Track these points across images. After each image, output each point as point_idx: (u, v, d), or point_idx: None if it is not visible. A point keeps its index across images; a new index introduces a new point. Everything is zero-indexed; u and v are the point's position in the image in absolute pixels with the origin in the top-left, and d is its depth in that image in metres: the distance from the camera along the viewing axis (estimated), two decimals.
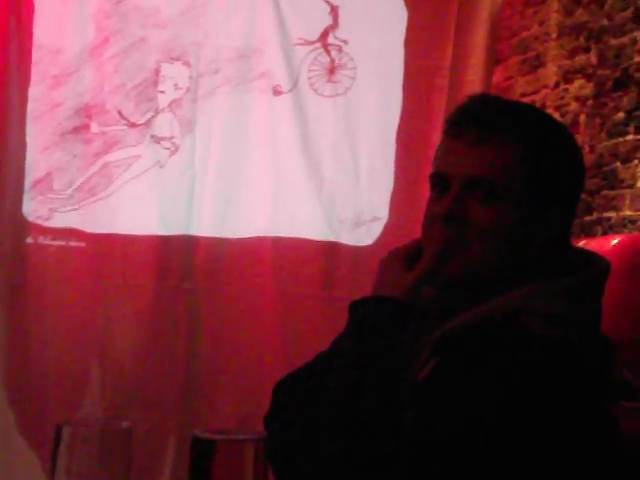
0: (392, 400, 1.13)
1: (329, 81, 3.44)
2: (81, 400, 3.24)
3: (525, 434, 1.09)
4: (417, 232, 1.38)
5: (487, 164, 1.25)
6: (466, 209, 1.26)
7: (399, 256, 1.31)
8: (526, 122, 1.29)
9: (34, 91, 3.28)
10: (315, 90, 3.43)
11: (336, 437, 1.12)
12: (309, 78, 3.43)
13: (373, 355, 1.19)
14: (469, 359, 1.12)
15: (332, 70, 3.44)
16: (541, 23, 3.59)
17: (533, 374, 1.11)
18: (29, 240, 3.28)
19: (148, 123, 3.35)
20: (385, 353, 1.19)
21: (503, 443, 1.08)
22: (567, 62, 3.42)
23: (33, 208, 3.29)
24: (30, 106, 3.28)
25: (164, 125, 3.37)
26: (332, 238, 3.42)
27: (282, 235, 3.40)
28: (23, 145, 3.28)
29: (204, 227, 3.37)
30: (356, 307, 1.27)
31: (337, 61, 3.44)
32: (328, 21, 3.44)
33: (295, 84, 3.41)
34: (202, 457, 1.08)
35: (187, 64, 3.38)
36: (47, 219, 3.29)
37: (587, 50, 3.31)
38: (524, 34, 3.70)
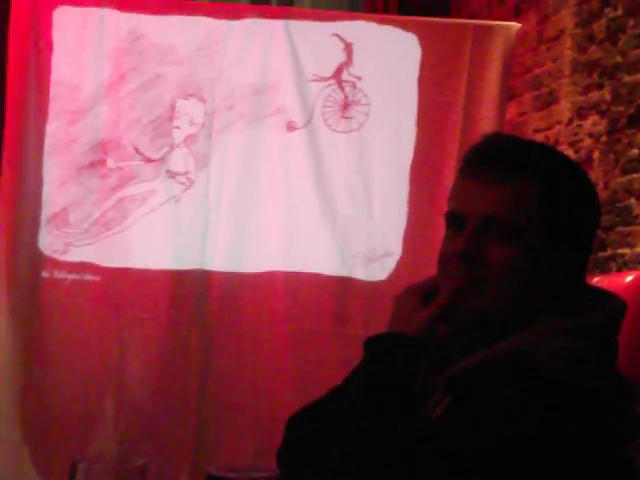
0: (406, 437, 1.13)
1: (343, 117, 3.47)
2: (94, 434, 3.24)
3: (539, 476, 1.08)
4: (430, 267, 1.38)
5: (502, 203, 1.26)
6: (482, 248, 1.26)
7: (415, 292, 1.31)
8: (541, 161, 1.29)
9: (51, 127, 3.32)
10: (329, 126, 3.46)
11: (350, 472, 1.12)
12: (323, 114, 3.45)
13: (387, 391, 1.19)
14: (483, 398, 1.12)
15: (346, 106, 3.47)
16: (554, 60, 3.61)
17: (546, 416, 1.11)
18: (44, 274, 3.30)
19: (163, 158, 3.38)
20: (399, 390, 1.19)
21: None
22: (581, 98, 3.43)
23: (49, 242, 3.32)
24: (47, 141, 3.32)
25: (179, 160, 3.40)
26: (345, 273, 3.43)
27: (295, 270, 3.40)
28: (40, 180, 3.31)
29: (218, 261, 3.39)
30: (371, 343, 1.27)
31: (351, 97, 3.47)
32: (342, 58, 3.47)
33: (309, 120, 3.43)
34: None
35: (202, 100, 3.41)
36: (63, 253, 3.32)
37: (601, 87, 3.32)
38: (537, 70, 3.72)
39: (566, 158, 1.37)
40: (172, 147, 3.40)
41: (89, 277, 3.32)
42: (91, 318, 3.30)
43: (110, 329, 3.30)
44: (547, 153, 1.34)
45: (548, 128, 3.61)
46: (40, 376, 3.25)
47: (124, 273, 3.34)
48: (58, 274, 3.30)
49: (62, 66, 3.32)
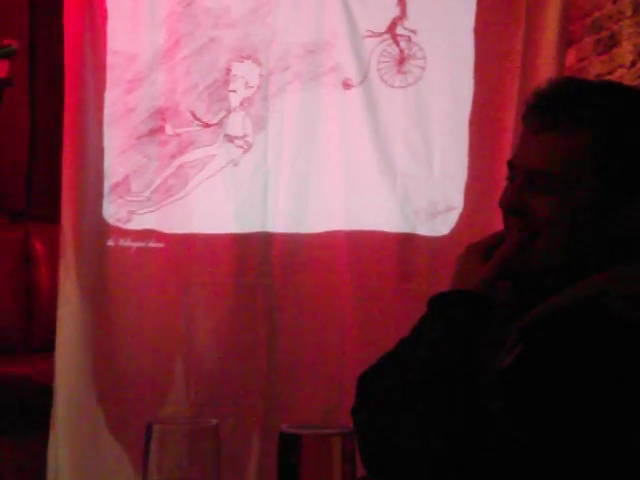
0: (477, 387, 1.13)
1: (399, 72, 3.42)
2: (166, 398, 3.30)
3: (613, 423, 1.07)
4: (493, 220, 1.39)
5: (547, 155, 1.23)
6: (529, 201, 1.25)
7: (477, 249, 1.31)
8: (595, 106, 1.24)
9: (110, 96, 3.35)
10: (385, 82, 3.42)
11: (423, 424, 1.12)
12: (379, 70, 3.41)
13: (453, 346, 1.19)
14: (553, 346, 1.11)
15: (402, 61, 3.42)
16: (614, 1, 3.51)
17: (623, 360, 1.09)
18: (110, 243, 3.35)
19: (221, 123, 3.39)
20: (464, 344, 1.19)
21: (593, 435, 1.06)
22: None
23: (113, 211, 3.36)
24: (106, 111, 3.34)
25: (236, 124, 3.40)
26: (407, 229, 3.41)
27: (357, 228, 3.40)
28: (101, 150, 3.34)
29: (279, 223, 3.40)
30: (435, 301, 1.28)
31: (406, 52, 3.42)
32: (396, 12, 3.42)
33: (365, 77, 3.40)
34: (290, 452, 1.09)
35: (257, 62, 3.40)
36: (126, 222, 3.36)
37: None
38: (597, 13, 3.62)
39: (632, 100, 1.29)
40: (229, 111, 3.40)
41: (153, 244, 3.36)
42: (157, 284, 3.34)
43: (176, 294, 3.34)
44: (607, 97, 1.26)
45: (610, 72, 3.52)
46: (110, 342, 3.31)
47: (187, 239, 3.37)
48: (123, 242, 3.35)
49: (117, 35, 3.34)
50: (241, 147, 3.40)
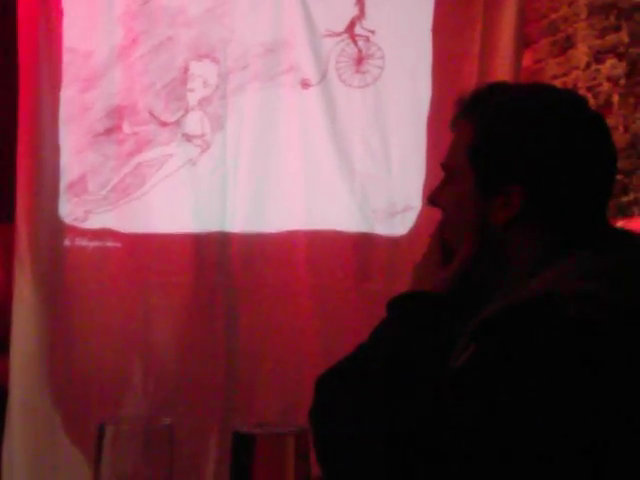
0: (436, 389, 1.13)
1: (357, 72, 3.43)
2: (124, 399, 3.27)
3: (564, 422, 1.08)
4: None
5: (449, 150, 1.34)
6: (440, 195, 1.37)
7: (434, 253, 1.36)
8: (483, 105, 1.30)
9: (65, 94, 3.31)
10: (344, 81, 3.43)
11: (381, 426, 1.13)
12: (337, 70, 3.42)
13: (415, 350, 1.20)
14: (504, 345, 1.12)
15: (360, 60, 3.43)
16: (570, 4, 3.55)
17: (569, 357, 1.10)
18: (66, 242, 3.31)
19: (179, 122, 3.37)
20: (429, 344, 1.20)
21: (543, 434, 1.07)
22: (598, 42, 3.38)
23: (69, 210, 3.32)
24: (62, 109, 3.31)
25: (195, 123, 3.39)
26: (366, 229, 3.42)
27: (316, 228, 3.40)
28: (57, 148, 3.31)
29: (238, 223, 3.39)
30: (396, 302, 1.29)
31: (365, 51, 3.43)
32: (354, 11, 3.43)
33: (323, 76, 3.40)
34: (243, 451, 1.09)
35: (215, 61, 3.39)
36: (83, 221, 3.32)
37: (618, 29, 3.27)
38: (553, 16, 3.66)
39: (517, 100, 1.31)
40: (187, 110, 3.38)
41: (110, 243, 3.33)
42: (114, 284, 3.31)
43: (134, 294, 3.32)
44: (497, 96, 1.31)
45: (565, 74, 3.56)
46: (67, 344, 3.28)
47: (145, 238, 3.34)
48: (80, 242, 3.31)
49: (73, 32, 3.30)
50: (199, 146, 3.38)
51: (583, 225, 1.26)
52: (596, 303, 1.13)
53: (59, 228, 3.30)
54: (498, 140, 1.27)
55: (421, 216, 3.40)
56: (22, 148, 3.26)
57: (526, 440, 1.07)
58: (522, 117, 1.26)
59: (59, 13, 3.27)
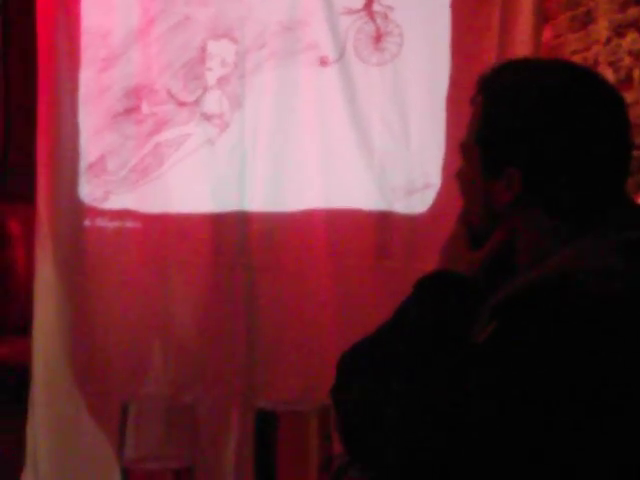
0: (458, 366, 1.14)
1: (376, 49, 3.41)
2: (144, 378, 3.30)
3: (585, 400, 1.07)
4: None
5: (467, 127, 1.34)
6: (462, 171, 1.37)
7: (462, 234, 1.35)
8: (495, 83, 1.29)
9: (84, 75, 3.32)
10: (362, 59, 3.41)
11: (404, 404, 1.13)
12: (355, 47, 3.40)
13: (442, 330, 1.20)
14: (526, 322, 1.11)
15: (378, 38, 3.41)
16: None
17: (591, 331, 1.09)
18: (87, 223, 3.33)
19: (197, 101, 3.37)
20: (454, 325, 1.20)
21: (565, 413, 1.07)
22: (619, 16, 3.34)
23: (89, 191, 3.34)
24: (81, 90, 3.31)
25: (213, 102, 3.38)
26: (385, 207, 3.41)
27: (335, 206, 3.40)
28: (76, 129, 3.32)
29: (257, 202, 3.39)
30: (425, 282, 1.29)
31: (383, 28, 3.41)
32: None
33: (342, 54, 3.39)
34: (266, 429, 1.10)
35: (233, 40, 3.38)
36: (103, 201, 3.34)
37: (639, 3, 3.23)
38: None
39: (520, 77, 1.28)
40: (205, 89, 3.38)
41: (130, 224, 3.34)
42: (134, 264, 3.33)
43: (154, 274, 3.33)
44: (509, 74, 1.29)
45: (586, 49, 3.52)
46: (88, 322, 3.30)
47: (164, 218, 3.35)
48: (100, 222, 3.33)
49: (91, 12, 3.30)
50: (218, 126, 3.38)
51: (594, 204, 1.24)
52: (617, 278, 1.12)
53: (79, 209, 3.32)
54: (499, 121, 1.26)
55: (440, 194, 3.38)
56: (42, 129, 3.27)
57: (547, 414, 1.07)
58: (523, 99, 1.25)
59: None
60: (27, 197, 3.57)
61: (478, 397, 1.09)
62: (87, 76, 3.31)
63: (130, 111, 3.34)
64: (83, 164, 3.33)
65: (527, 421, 1.07)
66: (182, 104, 3.36)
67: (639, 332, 1.10)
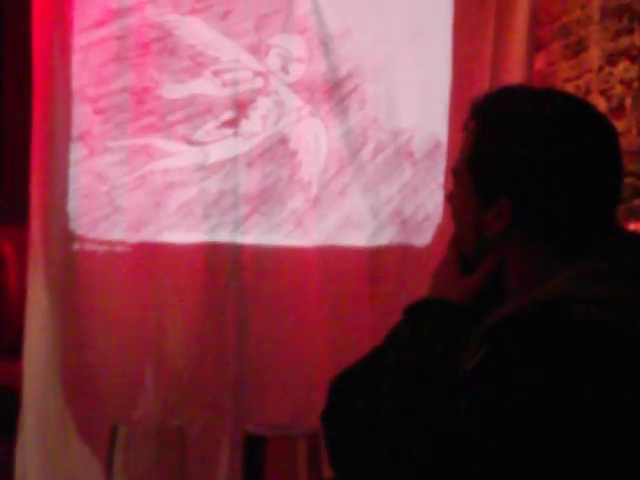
0: (451, 392, 1.13)
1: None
2: (136, 401, 3.28)
3: (576, 427, 1.07)
4: None
5: (458, 154, 1.33)
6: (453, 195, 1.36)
7: (453, 260, 1.35)
8: (488, 110, 1.29)
9: (77, 111, 3.32)
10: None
11: (394, 430, 1.13)
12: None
13: (432, 353, 1.20)
14: (516, 347, 1.12)
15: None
16: (583, 7, 3.54)
17: (580, 360, 1.09)
18: (77, 246, 3.32)
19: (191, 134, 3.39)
20: (443, 351, 1.20)
21: (546, 439, 1.07)
22: (611, 45, 3.37)
23: (79, 219, 3.32)
24: (74, 123, 3.31)
25: (206, 133, 3.40)
26: (382, 240, 3.42)
27: (330, 243, 3.41)
28: (68, 155, 3.31)
29: (250, 235, 3.40)
30: (414, 309, 1.29)
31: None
32: None
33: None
34: (255, 453, 1.09)
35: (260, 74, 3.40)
36: (92, 229, 3.33)
37: (631, 31, 3.26)
38: (565, 19, 3.65)
39: (509, 106, 1.28)
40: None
41: (120, 248, 3.34)
42: (126, 287, 3.32)
43: (145, 296, 3.32)
44: (503, 102, 1.29)
45: (578, 77, 3.55)
46: (79, 345, 3.28)
47: (154, 246, 3.35)
48: (90, 246, 3.32)
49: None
50: (207, 153, 3.39)
51: (584, 233, 1.24)
52: (606, 306, 1.13)
53: (69, 234, 3.31)
54: (490, 149, 1.26)
55: (436, 224, 3.40)
56: (35, 156, 3.27)
57: (539, 444, 1.07)
58: (514, 128, 1.25)
59: (71, 23, 3.28)
60: (20, 219, 3.56)
61: (469, 421, 1.09)
62: (80, 112, 3.32)
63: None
64: (73, 189, 3.32)
65: (518, 445, 1.07)
66: (179, 136, 3.38)
67: (628, 359, 1.10)
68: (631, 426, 1.08)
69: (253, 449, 1.09)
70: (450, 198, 1.36)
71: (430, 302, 1.29)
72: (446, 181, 3.34)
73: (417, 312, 1.29)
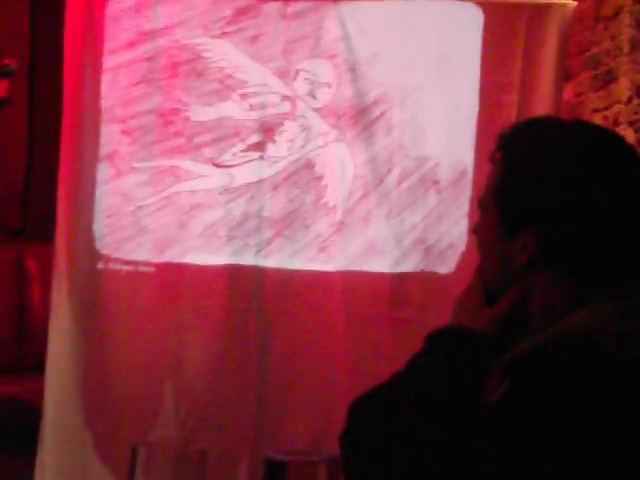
0: (472, 423, 1.13)
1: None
2: (155, 421, 3.27)
3: (605, 463, 1.06)
4: None
5: (485, 185, 1.32)
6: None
7: (477, 288, 1.34)
8: (516, 142, 1.28)
9: (105, 131, 3.35)
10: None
11: (412, 455, 1.12)
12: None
13: (453, 381, 1.19)
14: (544, 380, 1.10)
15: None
16: (612, 38, 3.53)
17: (609, 395, 1.08)
18: (100, 265, 3.34)
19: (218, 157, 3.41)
20: (465, 380, 1.19)
21: (583, 474, 1.05)
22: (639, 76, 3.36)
23: (103, 239, 3.35)
24: (103, 141, 3.34)
25: (234, 156, 3.42)
26: (404, 268, 3.42)
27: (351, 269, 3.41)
28: (95, 175, 3.34)
29: (272, 257, 3.40)
30: (437, 336, 1.28)
31: None
32: None
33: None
34: (275, 478, 1.09)
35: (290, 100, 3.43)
36: (117, 249, 3.35)
37: None
38: (595, 49, 3.64)
39: (535, 139, 1.27)
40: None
41: (143, 268, 3.35)
42: (148, 306, 3.33)
43: (167, 316, 3.33)
44: (529, 134, 1.28)
45: (607, 108, 3.54)
46: (101, 363, 3.30)
47: (179, 267, 3.36)
48: (114, 265, 3.34)
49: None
50: (234, 176, 3.41)
51: (610, 266, 1.23)
52: (638, 341, 1.12)
53: (94, 253, 3.33)
54: (516, 181, 1.26)
55: (460, 252, 3.39)
56: (63, 175, 3.31)
57: (562, 474, 1.06)
58: (541, 161, 1.24)
59: (102, 38, 3.32)
60: (46, 236, 3.60)
61: (492, 453, 1.08)
62: (108, 132, 3.35)
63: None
64: (99, 209, 3.35)
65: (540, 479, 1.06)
66: (205, 159, 3.39)
67: None
68: None
69: (273, 474, 1.09)
70: (476, 230, 1.36)
71: (451, 330, 1.29)
72: (471, 210, 3.32)
73: (439, 340, 1.28)
